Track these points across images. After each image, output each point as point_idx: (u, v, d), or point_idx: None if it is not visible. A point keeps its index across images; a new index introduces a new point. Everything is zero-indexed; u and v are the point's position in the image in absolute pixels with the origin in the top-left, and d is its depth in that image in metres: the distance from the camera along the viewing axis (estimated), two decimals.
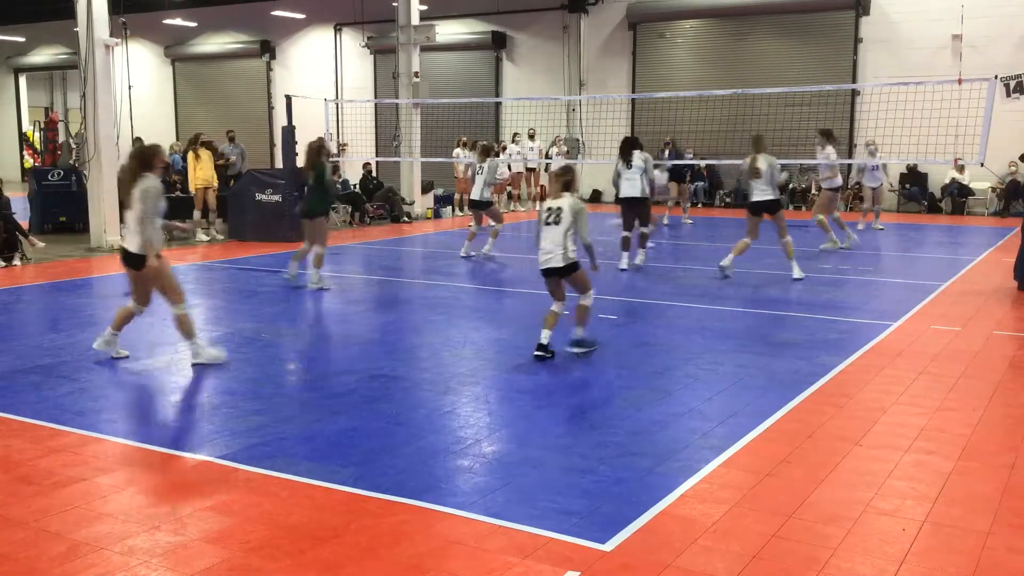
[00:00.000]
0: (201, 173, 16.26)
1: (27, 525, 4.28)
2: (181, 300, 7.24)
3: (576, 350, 7.45)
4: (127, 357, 7.43)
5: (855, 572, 3.85)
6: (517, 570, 3.84)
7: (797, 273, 11.35)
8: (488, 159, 13.53)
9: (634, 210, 12.19)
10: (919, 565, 3.91)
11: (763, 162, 11.28)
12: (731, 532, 4.21)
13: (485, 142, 15.24)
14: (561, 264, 7.21)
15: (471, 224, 13.93)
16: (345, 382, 6.77)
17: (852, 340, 8.11)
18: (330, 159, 11.79)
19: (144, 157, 7.14)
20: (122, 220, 7.75)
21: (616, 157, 12.34)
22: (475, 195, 13.47)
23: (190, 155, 17.35)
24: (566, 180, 7.37)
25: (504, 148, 22.01)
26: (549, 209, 7.27)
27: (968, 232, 17.44)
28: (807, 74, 21.87)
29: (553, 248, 7.20)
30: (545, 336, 7.30)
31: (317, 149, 10.91)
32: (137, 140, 17.52)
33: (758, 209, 11.39)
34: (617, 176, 12.19)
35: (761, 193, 11.31)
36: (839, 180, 14.53)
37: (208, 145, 18.44)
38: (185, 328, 7.19)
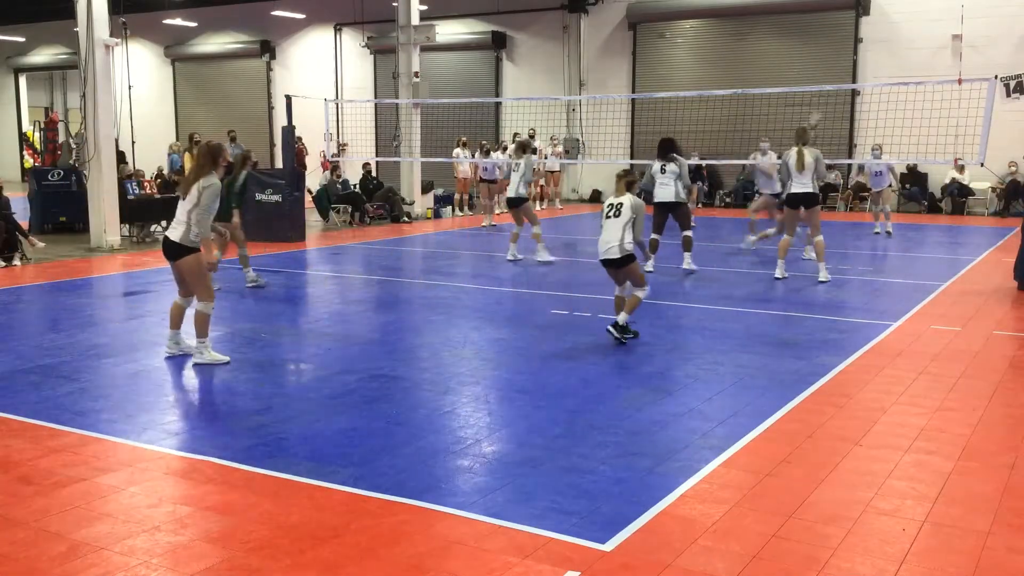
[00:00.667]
0: None
1: (27, 525, 4.28)
2: (210, 299, 7.39)
3: (615, 333, 7.85)
4: (228, 362, 7.37)
5: (855, 572, 3.85)
6: (517, 570, 3.84)
7: (823, 276, 11.10)
8: (525, 156, 13.42)
9: (666, 214, 11.91)
10: (919, 565, 3.91)
11: (810, 155, 11.05)
12: (731, 532, 4.21)
13: (523, 138, 15.28)
14: (618, 255, 7.82)
15: (515, 227, 13.45)
16: (345, 382, 6.77)
17: (852, 340, 8.11)
18: (255, 168, 11.88)
19: (213, 154, 7.38)
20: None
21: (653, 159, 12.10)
22: (511, 192, 13.33)
23: (187, 155, 17.39)
24: (629, 180, 8.03)
25: (505, 148, 22.02)
26: (611, 204, 7.95)
27: (968, 232, 17.45)
28: (807, 74, 21.87)
29: (611, 240, 7.82)
30: (622, 318, 7.88)
31: (242, 160, 11.11)
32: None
33: (796, 202, 11.16)
34: (651, 180, 11.87)
35: (801, 186, 11.06)
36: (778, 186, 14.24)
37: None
38: (201, 325, 7.32)
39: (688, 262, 12.08)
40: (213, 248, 7.68)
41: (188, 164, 16.56)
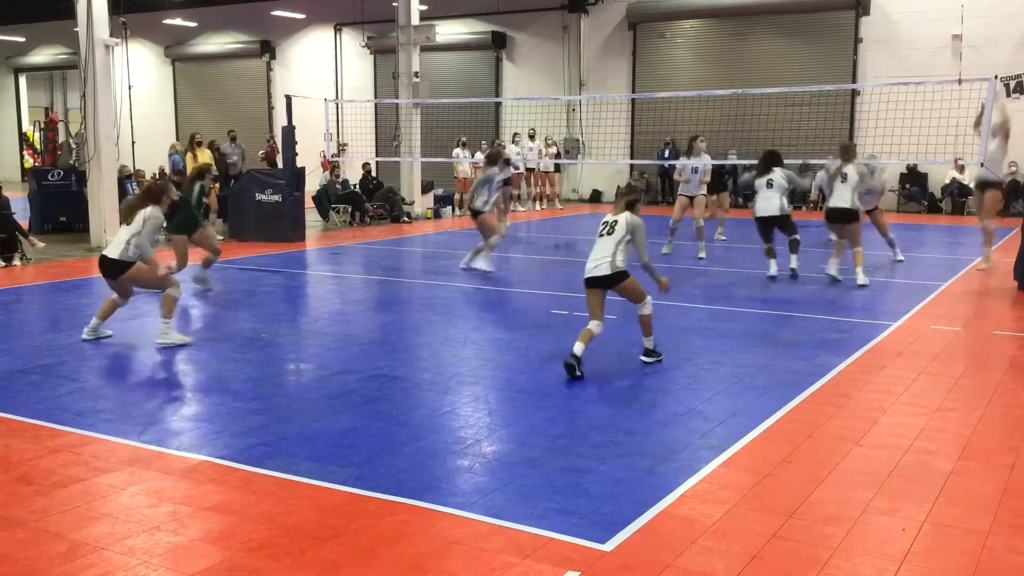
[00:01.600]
0: None
1: (27, 525, 4.28)
2: (175, 284, 8.06)
3: (648, 359, 7.37)
4: (111, 336, 8.09)
5: (855, 572, 3.85)
6: (517, 570, 3.84)
7: (862, 279, 10.94)
8: (489, 169, 12.57)
9: (771, 227, 11.61)
10: (919, 565, 3.91)
11: (853, 170, 10.98)
12: (731, 532, 4.21)
13: (494, 149, 14.06)
14: (608, 272, 7.07)
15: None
16: (345, 382, 6.77)
17: (852, 340, 8.11)
18: (210, 183, 11.53)
19: (156, 194, 8.04)
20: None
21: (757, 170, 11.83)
22: (471, 203, 12.39)
23: (188, 155, 17.41)
24: (630, 200, 7.33)
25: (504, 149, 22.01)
26: (606, 222, 7.25)
27: (968, 232, 17.43)
28: (807, 74, 21.87)
29: (602, 257, 7.10)
30: (579, 348, 6.96)
31: (196, 173, 11.16)
32: (195, 139, 17.96)
33: (836, 217, 11.05)
34: (754, 192, 11.67)
35: (841, 200, 10.96)
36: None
37: (209, 145, 18.48)
38: (168, 307, 7.87)
39: (794, 262, 11.69)
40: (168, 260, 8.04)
41: (189, 163, 16.64)
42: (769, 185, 11.49)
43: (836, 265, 11.30)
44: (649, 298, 7.34)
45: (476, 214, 12.11)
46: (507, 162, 12.94)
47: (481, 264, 12.18)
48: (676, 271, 12.24)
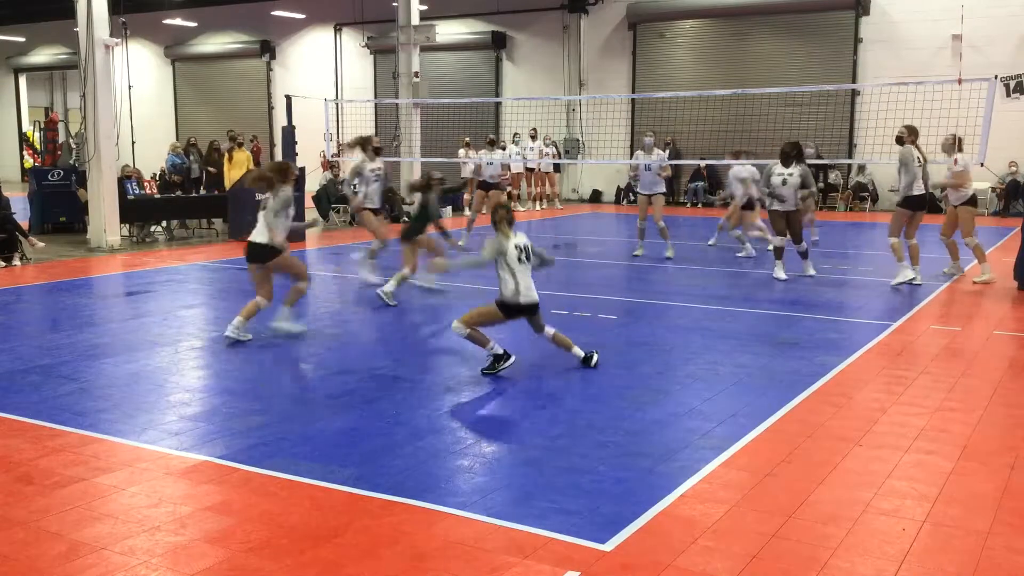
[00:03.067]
0: (235, 173, 16.64)
1: (27, 525, 4.28)
2: (307, 277, 8.55)
3: (588, 364, 7.16)
4: (250, 339, 8.13)
5: (855, 572, 3.85)
6: (517, 570, 3.84)
7: (913, 276, 10.90)
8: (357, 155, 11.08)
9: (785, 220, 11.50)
10: (919, 565, 3.91)
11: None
12: (731, 532, 4.21)
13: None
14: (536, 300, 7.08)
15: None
16: (345, 382, 6.77)
17: (852, 340, 8.11)
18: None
19: (283, 170, 8.25)
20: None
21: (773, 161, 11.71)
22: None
23: (226, 156, 17.62)
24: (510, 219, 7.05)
25: (504, 147, 22.01)
26: (518, 247, 6.97)
27: None
28: (807, 74, 21.88)
29: (532, 284, 7.01)
30: (578, 351, 7.15)
31: (425, 184, 10.25)
32: (190, 141, 18.31)
33: (920, 204, 10.85)
34: (770, 188, 11.46)
35: (917, 188, 10.79)
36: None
37: (209, 145, 18.51)
38: (294, 298, 8.41)
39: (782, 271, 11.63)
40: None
41: (226, 165, 16.94)
42: (784, 183, 11.38)
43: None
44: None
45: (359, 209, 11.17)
46: (377, 151, 11.22)
47: (367, 274, 10.98)
48: (677, 271, 12.24)
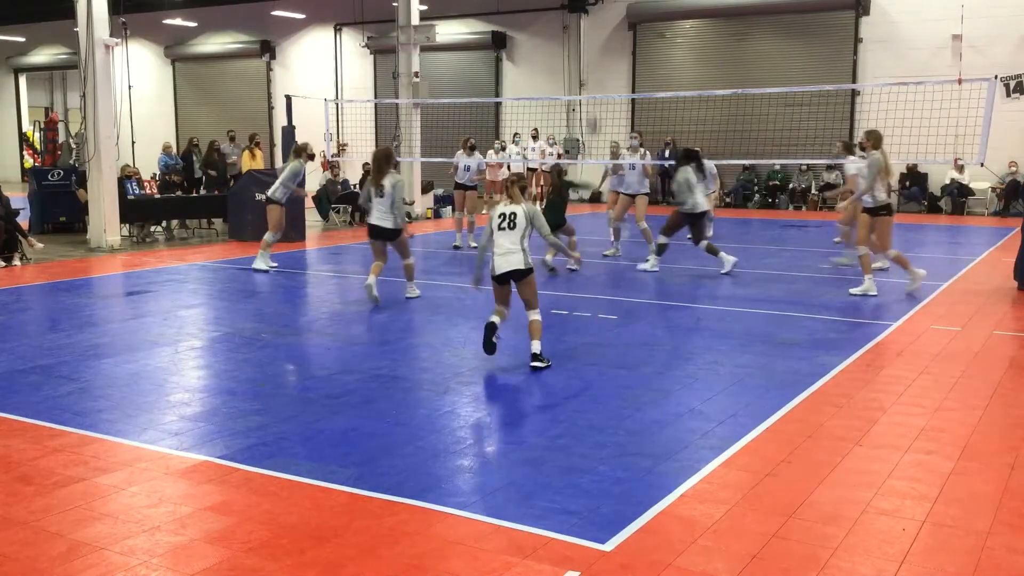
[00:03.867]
0: (255, 165, 16.90)
1: (27, 525, 4.28)
2: (409, 255, 10.29)
3: (538, 364, 7.10)
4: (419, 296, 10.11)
5: (855, 572, 3.85)
6: (517, 570, 3.84)
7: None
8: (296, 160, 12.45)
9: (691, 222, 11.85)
10: (919, 565, 3.91)
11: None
12: (731, 532, 4.21)
13: (300, 143, 13.02)
14: (522, 266, 7.13)
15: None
16: (345, 382, 6.77)
17: (852, 340, 8.11)
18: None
19: (390, 157, 10.17)
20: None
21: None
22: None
23: (245, 154, 17.67)
24: (523, 185, 7.47)
25: (504, 147, 22.04)
26: (502, 214, 7.19)
27: (968, 232, 17.45)
28: (807, 74, 21.88)
29: (514, 249, 7.11)
30: (536, 346, 7.16)
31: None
32: (192, 141, 19.06)
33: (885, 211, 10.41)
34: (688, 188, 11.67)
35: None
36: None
37: (209, 145, 18.51)
38: (410, 273, 10.23)
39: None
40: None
41: (247, 163, 17.08)
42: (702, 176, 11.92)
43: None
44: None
45: (271, 202, 12.48)
46: (311, 156, 12.90)
47: (261, 263, 12.28)
48: (675, 271, 12.24)
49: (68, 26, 17.62)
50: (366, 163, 21.63)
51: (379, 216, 9.91)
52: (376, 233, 10.01)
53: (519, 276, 7.17)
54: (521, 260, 7.11)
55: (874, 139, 10.11)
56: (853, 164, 12.27)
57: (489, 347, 7.08)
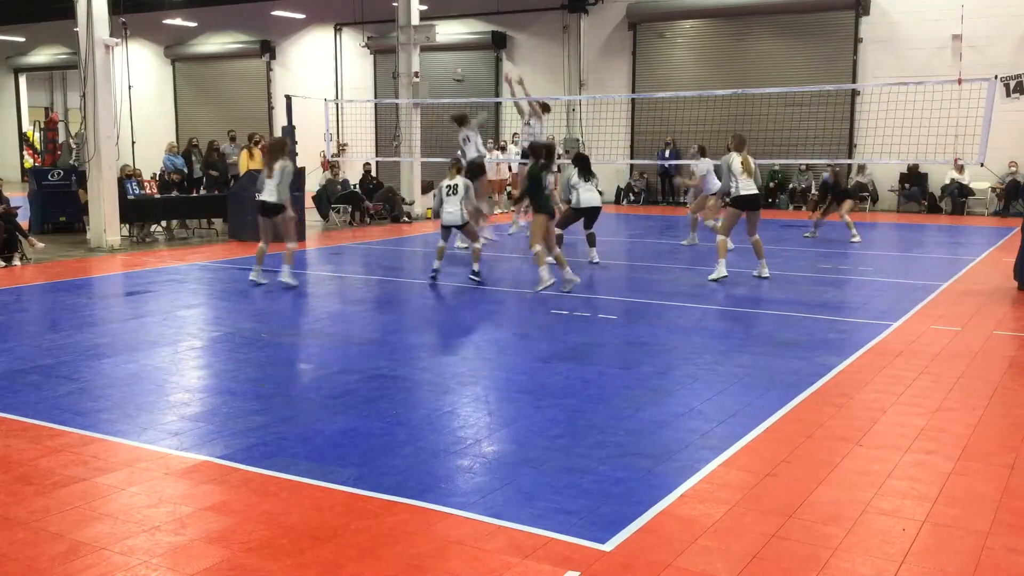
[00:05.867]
0: (254, 165, 16.83)
1: (27, 525, 4.28)
2: (294, 239, 11.36)
3: (477, 279, 10.96)
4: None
5: (855, 572, 3.85)
6: (517, 570, 3.84)
7: (763, 272, 11.49)
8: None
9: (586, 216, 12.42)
10: (919, 565, 3.91)
11: (752, 160, 11.40)
12: (731, 532, 4.21)
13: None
14: (460, 221, 11.29)
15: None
16: (345, 382, 6.77)
17: (852, 340, 8.11)
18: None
19: (284, 146, 11.47)
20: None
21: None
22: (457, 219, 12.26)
23: (244, 153, 17.67)
24: (460, 167, 11.91)
25: (504, 147, 22.02)
26: (449, 185, 11.29)
27: (968, 232, 17.44)
28: (807, 74, 21.88)
29: (455, 210, 11.20)
30: (476, 267, 11.14)
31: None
32: (192, 142, 19.17)
33: (745, 204, 11.34)
34: (567, 188, 12.28)
35: (748, 189, 11.30)
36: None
37: (209, 145, 18.49)
38: (289, 257, 11.11)
39: (594, 256, 12.83)
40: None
41: (245, 162, 17.02)
42: (586, 179, 12.24)
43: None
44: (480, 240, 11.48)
45: (278, 209, 12.82)
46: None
47: (290, 279, 11.75)
48: (675, 271, 12.23)
49: (68, 26, 17.62)
50: (366, 163, 21.71)
51: (267, 193, 10.90)
52: (264, 209, 11.00)
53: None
54: (459, 217, 11.27)
55: (736, 142, 11.38)
56: (702, 165, 14.53)
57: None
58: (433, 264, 11.39)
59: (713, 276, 11.21)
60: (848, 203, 15.99)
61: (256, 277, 11.25)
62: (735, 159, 11.19)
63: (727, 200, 11.61)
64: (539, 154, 11.06)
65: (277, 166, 10.91)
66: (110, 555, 3.97)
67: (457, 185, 11.24)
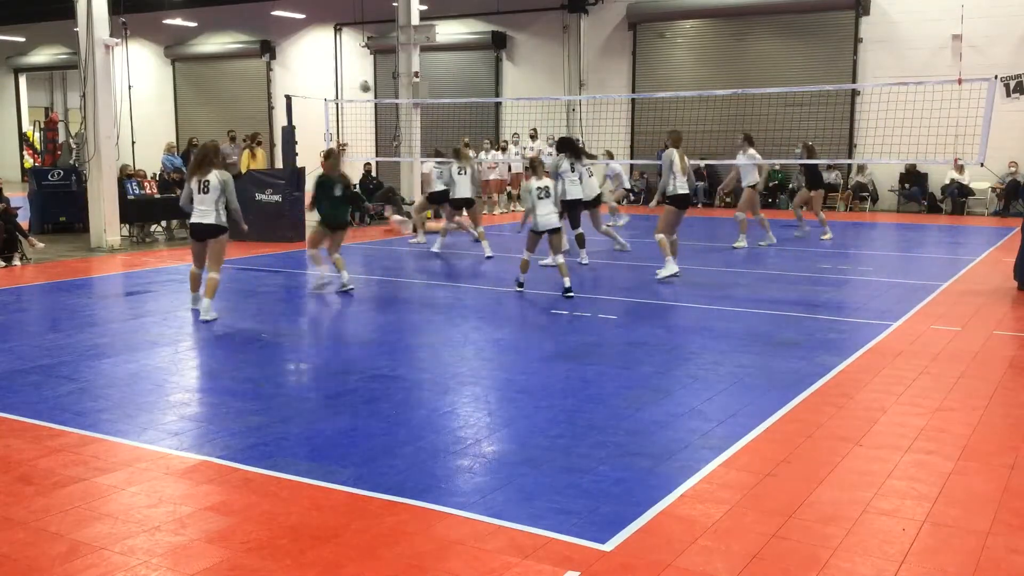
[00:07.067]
0: (254, 165, 16.86)
1: (27, 525, 4.28)
2: (218, 269, 9.41)
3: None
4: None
5: (855, 572, 3.85)
6: (517, 570, 3.84)
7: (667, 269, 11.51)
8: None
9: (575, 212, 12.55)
10: (919, 565, 3.91)
11: (687, 159, 11.60)
12: (731, 532, 4.21)
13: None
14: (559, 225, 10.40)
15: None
16: (345, 382, 6.77)
17: (852, 340, 8.11)
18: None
19: (217, 151, 9.48)
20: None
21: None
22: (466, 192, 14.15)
23: (245, 153, 17.62)
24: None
25: (504, 148, 22.02)
26: (540, 188, 10.22)
27: (968, 232, 17.44)
28: (807, 74, 21.87)
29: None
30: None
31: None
32: (192, 142, 18.88)
33: (684, 202, 11.59)
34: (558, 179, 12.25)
35: (681, 188, 11.48)
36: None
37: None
38: (211, 289, 9.12)
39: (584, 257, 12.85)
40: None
41: (246, 162, 17.01)
42: (573, 169, 12.33)
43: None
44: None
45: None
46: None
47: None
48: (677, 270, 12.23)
49: (68, 26, 17.62)
50: (367, 163, 21.69)
51: (200, 214, 8.98)
52: (197, 232, 9.07)
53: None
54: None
55: (672, 138, 11.49)
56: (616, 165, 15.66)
57: None
58: (519, 278, 10.50)
59: (662, 274, 11.24)
60: (820, 193, 15.90)
61: (206, 315, 9.09)
62: (676, 156, 11.19)
63: (665, 198, 11.50)
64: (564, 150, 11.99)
65: (213, 178, 8.95)
66: (110, 555, 3.97)
67: (548, 187, 10.32)
